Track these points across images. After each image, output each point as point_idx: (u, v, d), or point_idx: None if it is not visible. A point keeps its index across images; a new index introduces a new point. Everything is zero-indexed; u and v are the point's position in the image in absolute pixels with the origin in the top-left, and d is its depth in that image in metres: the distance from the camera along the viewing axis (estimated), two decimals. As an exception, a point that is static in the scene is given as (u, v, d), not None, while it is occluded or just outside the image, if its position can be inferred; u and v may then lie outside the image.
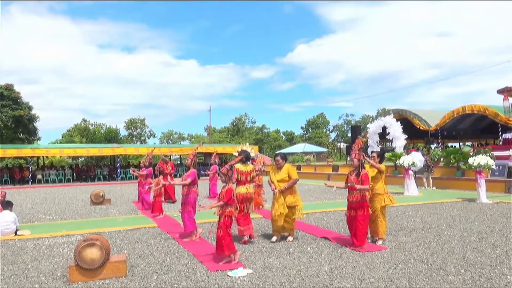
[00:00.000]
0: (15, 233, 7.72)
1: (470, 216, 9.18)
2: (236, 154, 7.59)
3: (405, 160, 14.66)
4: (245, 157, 6.72)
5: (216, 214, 5.51)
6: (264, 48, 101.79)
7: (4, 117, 31.93)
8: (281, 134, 74.31)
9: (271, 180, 6.77)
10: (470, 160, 12.46)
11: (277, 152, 7.90)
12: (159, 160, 11.66)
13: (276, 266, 5.30)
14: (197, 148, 7.87)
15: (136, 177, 13.59)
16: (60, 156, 39.84)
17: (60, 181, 28.32)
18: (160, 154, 14.62)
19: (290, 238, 6.82)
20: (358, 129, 27.83)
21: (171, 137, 67.45)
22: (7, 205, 7.97)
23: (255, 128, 70.87)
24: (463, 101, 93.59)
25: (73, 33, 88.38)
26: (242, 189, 6.56)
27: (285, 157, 6.92)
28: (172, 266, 5.43)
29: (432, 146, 24.21)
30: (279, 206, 6.56)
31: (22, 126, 34.01)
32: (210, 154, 23.14)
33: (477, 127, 25.87)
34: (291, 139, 72.99)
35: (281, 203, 6.58)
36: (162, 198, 10.23)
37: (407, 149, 18.30)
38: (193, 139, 63.27)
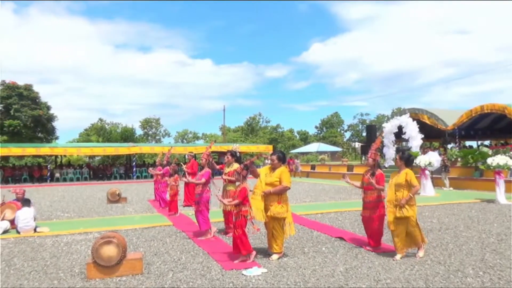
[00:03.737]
0: (35, 230, 7.89)
1: (488, 217, 9.01)
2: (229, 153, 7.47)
3: (422, 160, 14.47)
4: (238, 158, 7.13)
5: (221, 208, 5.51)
6: (278, 47, 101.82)
7: (23, 116, 32.64)
8: (295, 134, 74.11)
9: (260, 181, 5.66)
10: (489, 160, 12.24)
11: (276, 150, 7.11)
12: (188, 156, 11.47)
13: (290, 265, 5.29)
14: (210, 147, 7.87)
15: (152, 176, 13.68)
16: (78, 155, 40.51)
17: (78, 179, 28.82)
18: (175, 153, 14.57)
19: (274, 257, 5.61)
20: (373, 129, 27.54)
21: (186, 136, 67.86)
22: (26, 202, 8.16)
23: (269, 128, 70.81)
24: (480, 100, 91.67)
25: (90, 33, 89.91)
26: (232, 187, 6.74)
27: (282, 158, 5.76)
28: (187, 264, 5.47)
29: (449, 146, 23.82)
30: (258, 213, 5.46)
31: (41, 126, 34.73)
32: (224, 153, 23.15)
33: (495, 127, 25.35)
34: (305, 139, 72.73)
35: (261, 209, 5.47)
36: (182, 203, 10.01)
37: (423, 149, 18.03)
38: (207, 139, 63.50)
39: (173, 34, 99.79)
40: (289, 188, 5.61)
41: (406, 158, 5.79)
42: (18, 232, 7.71)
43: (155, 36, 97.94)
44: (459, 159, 18.58)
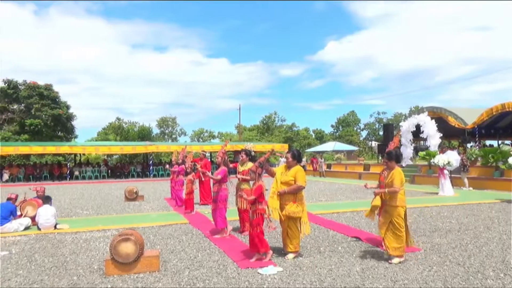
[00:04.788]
0: (55, 226, 8.07)
1: (509, 218, 8.80)
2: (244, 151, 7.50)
3: (440, 160, 14.23)
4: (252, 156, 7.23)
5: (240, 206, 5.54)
6: (293, 45, 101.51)
7: (44, 116, 33.39)
8: (311, 133, 73.72)
9: (276, 180, 5.65)
10: (510, 160, 11.98)
11: (291, 149, 6.94)
12: (201, 154, 11.45)
13: (306, 265, 5.28)
14: (225, 145, 7.93)
15: (169, 174, 13.80)
16: (96, 154, 41.19)
17: (96, 177, 29.29)
18: (190, 151, 14.63)
19: (289, 256, 5.57)
20: (390, 127, 27.13)
21: (202, 135, 68.30)
22: (46, 200, 8.34)
23: (284, 127, 70.64)
24: (500, 98, 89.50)
25: (107, 34, 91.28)
26: (247, 186, 6.91)
27: (297, 156, 5.69)
28: (204, 262, 5.51)
29: (469, 145, 23.37)
30: (273, 212, 5.44)
31: (61, 125, 35.47)
32: (239, 152, 23.15)
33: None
34: (321, 138, 72.27)
35: (276, 208, 5.44)
36: (198, 201, 10.01)
37: (442, 148, 17.70)
38: (223, 137, 63.79)
39: (189, 34, 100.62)
40: (304, 188, 5.57)
41: (395, 156, 5.58)
42: (38, 229, 7.90)
43: (171, 36, 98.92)
44: (479, 159, 18.20)
